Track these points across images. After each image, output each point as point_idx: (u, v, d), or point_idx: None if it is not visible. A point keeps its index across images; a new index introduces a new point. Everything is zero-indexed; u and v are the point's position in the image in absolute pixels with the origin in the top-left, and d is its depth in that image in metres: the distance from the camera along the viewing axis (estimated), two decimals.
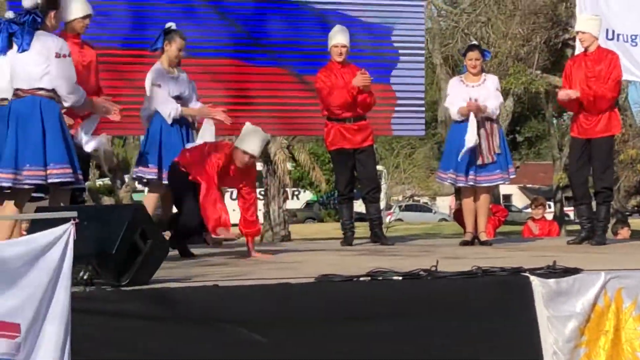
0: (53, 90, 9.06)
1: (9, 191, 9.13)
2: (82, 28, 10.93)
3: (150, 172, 11.41)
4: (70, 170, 9.11)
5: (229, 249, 11.11)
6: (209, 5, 13.54)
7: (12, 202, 9.11)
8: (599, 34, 12.57)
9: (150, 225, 7.70)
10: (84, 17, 10.90)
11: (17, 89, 9.15)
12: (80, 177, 9.37)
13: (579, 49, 13.36)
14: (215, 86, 12.19)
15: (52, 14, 9.21)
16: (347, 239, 12.38)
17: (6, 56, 9.27)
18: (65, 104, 9.29)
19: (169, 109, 11.31)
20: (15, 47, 9.12)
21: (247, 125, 10.41)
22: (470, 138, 11.99)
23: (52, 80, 9.04)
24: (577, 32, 12.67)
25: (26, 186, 9.21)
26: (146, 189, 11.98)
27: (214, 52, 12.83)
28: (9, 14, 9.50)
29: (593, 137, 12.17)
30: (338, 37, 12.30)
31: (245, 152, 10.10)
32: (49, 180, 9.09)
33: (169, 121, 11.36)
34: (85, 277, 7.14)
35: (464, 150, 12.00)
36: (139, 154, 12.33)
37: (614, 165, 13.04)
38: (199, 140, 11.16)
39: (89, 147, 10.43)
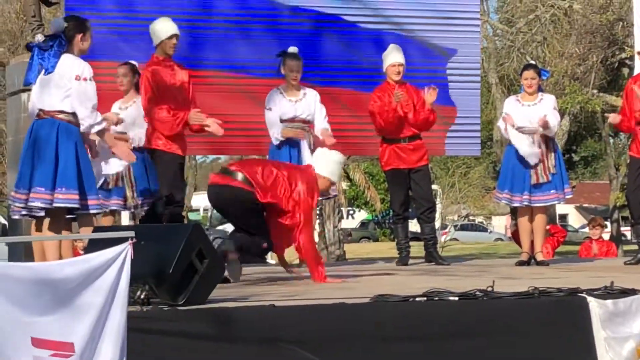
0: (73, 114, 9.08)
1: (42, 213, 9.19)
2: (171, 48, 11.20)
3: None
4: (76, 196, 9.05)
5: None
6: (265, 26, 13.58)
7: (47, 222, 9.15)
8: None
9: (207, 244, 7.70)
10: (170, 37, 11.15)
11: (39, 110, 9.20)
12: (91, 202, 9.29)
13: (638, 68, 13.29)
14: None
15: (78, 37, 9.21)
16: (403, 259, 12.36)
17: (37, 82, 9.36)
18: (81, 128, 9.25)
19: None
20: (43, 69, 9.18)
21: (332, 153, 10.26)
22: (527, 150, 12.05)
23: (72, 103, 9.05)
24: (639, 53, 12.63)
25: (25, 212, 9.25)
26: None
27: (269, 72, 12.83)
28: (39, 37, 9.56)
29: None
30: (395, 56, 12.31)
31: (332, 182, 10.04)
32: (54, 205, 9.04)
33: (275, 142, 11.65)
34: (142, 296, 7.18)
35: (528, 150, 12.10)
36: None
37: None
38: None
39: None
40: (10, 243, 11.77)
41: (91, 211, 9.37)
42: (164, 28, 11.22)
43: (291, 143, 11.75)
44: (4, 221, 14.44)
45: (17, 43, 31.96)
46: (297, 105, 11.84)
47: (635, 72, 13.53)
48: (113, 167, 11.03)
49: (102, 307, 5.86)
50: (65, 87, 8.95)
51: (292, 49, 12.06)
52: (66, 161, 8.95)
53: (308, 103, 11.91)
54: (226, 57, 13.11)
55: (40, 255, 9.34)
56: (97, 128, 9.25)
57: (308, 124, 11.89)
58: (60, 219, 9.13)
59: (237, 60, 13.31)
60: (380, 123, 12.13)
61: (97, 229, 8.99)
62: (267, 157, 12.16)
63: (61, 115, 9.00)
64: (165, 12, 12.42)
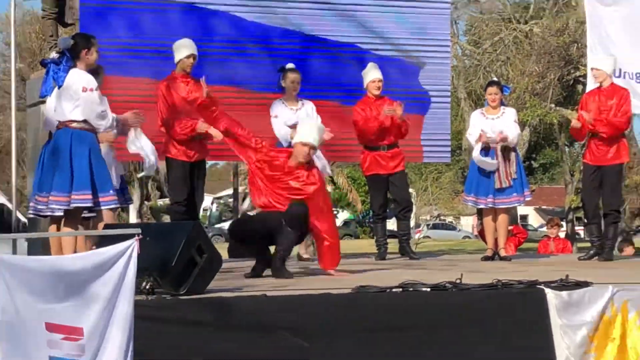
0: (85, 121, 9.07)
1: (61, 213, 9.16)
2: (189, 67, 11.35)
3: None
4: (89, 196, 9.01)
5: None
6: (260, 45, 13.59)
7: (64, 222, 9.13)
8: (612, 71, 12.58)
9: (206, 240, 7.72)
10: (188, 57, 11.30)
11: (57, 121, 9.21)
12: (104, 199, 9.21)
13: (590, 85, 13.36)
14: (265, 114, 12.19)
15: (84, 52, 9.20)
16: (381, 254, 12.38)
17: (52, 95, 9.37)
18: (99, 130, 9.28)
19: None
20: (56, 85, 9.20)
21: (306, 120, 10.28)
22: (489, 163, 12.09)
23: (82, 112, 9.05)
24: (592, 69, 12.67)
25: (49, 212, 9.22)
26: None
27: (264, 87, 12.86)
28: (53, 55, 9.59)
29: (604, 165, 12.17)
30: (374, 73, 12.35)
31: (304, 144, 9.89)
32: (72, 205, 9.06)
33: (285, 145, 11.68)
34: (147, 287, 7.20)
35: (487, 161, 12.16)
36: None
37: (621, 190, 13.00)
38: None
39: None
40: (29, 239, 11.70)
41: (106, 207, 9.37)
42: (183, 48, 11.38)
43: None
44: (24, 219, 14.35)
45: (37, 60, 31.92)
46: (298, 113, 12.03)
47: (588, 89, 13.57)
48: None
49: (110, 297, 5.87)
50: (74, 98, 8.94)
51: (290, 65, 12.25)
52: (80, 166, 8.94)
53: (307, 111, 12.10)
54: (225, 74, 13.10)
55: (57, 250, 9.32)
56: (112, 124, 9.38)
57: None
58: (76, 217, 9.11)
59: (235, 76, 13.32)
60: (364, 132, 12.18)
61: (107, 226, 8.99)
62: None
63: (74, 124, 8.98)
64: (170, 34, 12.44)
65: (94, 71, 9.29)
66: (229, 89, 12.98)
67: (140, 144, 10.18)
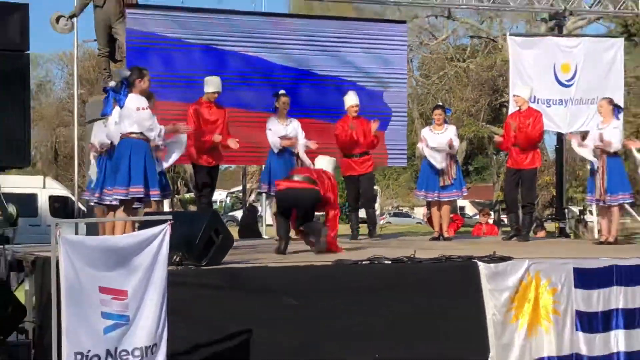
0: (140, 133, 9.06)
1: (119, 204, 9.16)
2: (212, 98, 11.42)
3: (264, 188, 12.14)
4: (142, 189, 8.93)
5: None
6: (262, 76, 13.58)
7: (121, 209, 9.10)
8: (529, 98, 12.61)
9: (221, 225, 7.70)
10: (213, 93, 11.38)
11: (120, 133, 9.20)
12: (153, 192, 9.11)
13: (512, 108, 13.35)
14: (262, 132, 12.20)
15: (137, 80, 9.18)
16: (354, 235, 12.36)
17: (113, 113, 9.36)
18: (151, 139, 9.19)
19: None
20: (117, 105, 9.23)
21: (327, 157, 10.29)
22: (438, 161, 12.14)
23: (138, 126, 9.05)
24: (514, 96, 12.70)
25: (111, 201, 9.21)
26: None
27: (263, 108, 12.85)
28: (112, 83, 9.61)
29: (522, 168, 12.16)
30: (353, 99, 12.32)
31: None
32: (129, 196, 9.04)
33: (275, 150, 11.85)
34: (177, 259, 7.19)
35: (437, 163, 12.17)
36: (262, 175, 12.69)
37: (535, 187, 13.02)
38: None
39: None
40: (88, 223, 11.67)
41: (153, 199, 9.37)
42: (212, 85, 11.43)
43: (286, 150, 11.96)
44: (83, 208, 14.31)
45: (93, 87, 31.84)
46: (287, 127, 11.97)
47: (510, 112, 13.59)
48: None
49: (149, 267, 5.86)
50: (132, 116, 8.92)
51: (282, 91, 12.24)
52: (136, 167, 8.91)
53: (294, 127, 12.02)
54: (234, 98, 13.07)
55: (110, 231, 9.28)
56: (162, 133, 9.24)
57: (291, 139, 12.02)
58: (130, 206, 9.10)
59: (241, 100, 13.31)
60: (340, 142, 12.18)
61: (148, 213, 8.97)
62: (265, 162, 12.28)
63: (133, 135, 8.96)
64: (193, 68, 12.53)
65: (148, 96, 9.26)
66: (237, 110, 12.94)
67: (173, 150, 10.30)
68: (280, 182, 10.05)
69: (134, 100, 9.03)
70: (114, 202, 9.08)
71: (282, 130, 11.92)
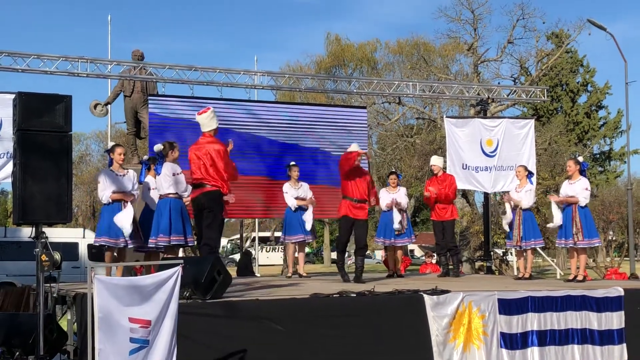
0: (176, 193, 9.07)
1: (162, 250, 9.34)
2: (214, 134, 10.96)
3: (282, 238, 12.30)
4: (182, 238, 9.13)
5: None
6: (253, 148, 13.67)
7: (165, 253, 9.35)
8: (442, 165, 12.75)
9: (222, 266, 7.64)
10: (215, 130, 10.94)
11: (159, 194, 9.24)
12: (189, 239, 9.31)
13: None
14: (254, 192, 12.25)
15: (170, 152, 9.25)
16: (343, 275, 10.66)
17: (146, 181, 9.54)
18: (184, 196, 9.30)
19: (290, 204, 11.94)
20: (154, 173, 9.29)
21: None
22: (397, 219, 12.15)
23: (174, 188, 9.07)
24: (432, 165, 12.79)
25: (157, 246, 9.23)
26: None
27: (255, 173, 13.01)
28: (145, 158, 9.75)
29: (444, 220, 12.28)
30: (356, 148, 10.90)
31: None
32: (171, 243, 9.08)
33: (292, 209, 11.91)
34: (186, 294, 7.12)
35: (395, 224, 12.12)
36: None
37: (456, 234, 13.10)
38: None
39: None
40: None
41: (189, 245, 9.60)
42: (212, 123, 10.64)
43: (301, 208, 12.00)
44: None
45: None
46: (299, 190, 12.05)
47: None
48: None
49: (165, 301, 5.81)
50: (169, 180, 8.97)
51: (293, 162, 12.34)
52: (175, 219, 9.09)
53: (304, 190, 12.10)
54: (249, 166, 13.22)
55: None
56: (188, 195, 9.28)
57: (304, 200, 12.03)
58: (171, 251, 9.32)
59: (238, 167, 13.38)
60: (342, 167, 10.70)
61: (165, 259, 8.91)
62: (283, 217, 12.30)
63: (171, 195, 9.02)
64: None
65: (172, 146, 9.37)
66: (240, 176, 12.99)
67: None
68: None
69: (169, 168, 9.14)
70: (160, 247, 9.20)
71: (295, 192, 11.99)
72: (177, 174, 9.23)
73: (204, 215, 8.74)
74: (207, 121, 9.15)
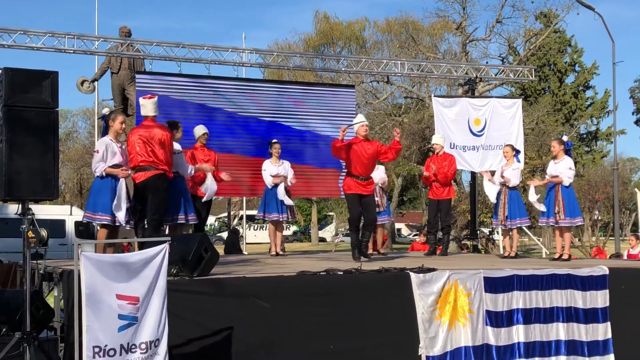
0: (177, 172, 9.22)
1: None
2: (204, 140, 11.33)
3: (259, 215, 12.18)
4: (183, 216, 9.27)
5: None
6: (241, 127, 13.67)
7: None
8: (444, 144, 12.70)
9: (209, 244, 7.63)
10: (203, 134, 11.28)
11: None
12: (190, 217, 9.42)
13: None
14: (242, 170, 12.24)
15: (174, 132, 9.26)
16: (355, 253, 10.32)
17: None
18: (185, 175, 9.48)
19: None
20: None
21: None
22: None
23: (175, 167, 9.11)
24: (434, 144, 12.78)
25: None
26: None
27: (242, 152, 12.99)
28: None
29: (441, 199, 12.24)
30: (361, 118, 10.69)
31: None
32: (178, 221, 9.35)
33: (269, 186, 11.86)
34: (174, 272, 7.10)
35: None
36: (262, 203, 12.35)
37: (452, 213, 13.12)
38: None
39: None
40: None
41: (191, 222, 9.61)
42: (199, 129, 11.33)
43: (277, 186, 11.85)
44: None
45: None
46: (279, 168, 11.92)
47: (432, 154, 13.76)
48: None
49: (153, 278, 5.80)
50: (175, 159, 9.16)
51: (275, 140, 12.27)
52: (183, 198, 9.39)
53: (285, 168, 11.97)
54: (220, 144, 13.10)
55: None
56: (192, 172, 9.62)
57: (284, 177, 11.91)
58: (174, 227, 9.46)
59: (226, 146, 13.35)
60: (333, 146, 10.40)
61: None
62: (263, 195, 12.20)
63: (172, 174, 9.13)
64: (189, 122, 12.41)
65: (176, 126, 9.53)
66: (223, 154, 12.93)
67: (207, 183, 10.42)
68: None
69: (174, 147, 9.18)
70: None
71: (274, 169, 11.86)
72: (180, 152, 9.25)
73: (149, 198, 8.70)
74: (153, 106, 9.04)
